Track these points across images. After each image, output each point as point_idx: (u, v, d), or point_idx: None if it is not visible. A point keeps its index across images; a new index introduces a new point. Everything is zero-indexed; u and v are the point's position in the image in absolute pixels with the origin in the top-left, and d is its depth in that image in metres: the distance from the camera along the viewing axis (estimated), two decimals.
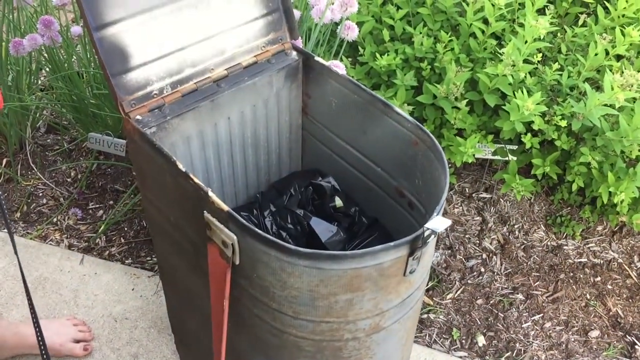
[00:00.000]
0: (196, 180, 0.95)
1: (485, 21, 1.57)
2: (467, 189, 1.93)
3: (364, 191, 1.25)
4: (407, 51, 1.60)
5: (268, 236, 0.87)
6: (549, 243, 1.83)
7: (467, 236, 1.84)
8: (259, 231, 0.88)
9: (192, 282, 1.17)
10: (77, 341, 1.53)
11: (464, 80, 1.47)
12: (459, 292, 1.72)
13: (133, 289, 1.67)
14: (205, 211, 0.96)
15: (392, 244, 0.87)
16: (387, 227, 1.24)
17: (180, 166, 0.97)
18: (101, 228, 1.78)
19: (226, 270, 0.98)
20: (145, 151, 1.05)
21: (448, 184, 0.99)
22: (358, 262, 0.88)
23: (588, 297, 1.72)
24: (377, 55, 1.60)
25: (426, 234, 0.87)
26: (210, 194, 0.93)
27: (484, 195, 1.92)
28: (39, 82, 2.06)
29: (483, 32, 1.55)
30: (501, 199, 1.90)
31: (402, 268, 0.92)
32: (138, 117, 1.06)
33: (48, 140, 2.03)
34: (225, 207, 0.92)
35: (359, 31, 1.57)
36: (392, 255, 0.89)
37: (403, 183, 1.16)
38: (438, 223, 0.86)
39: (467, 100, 1.51)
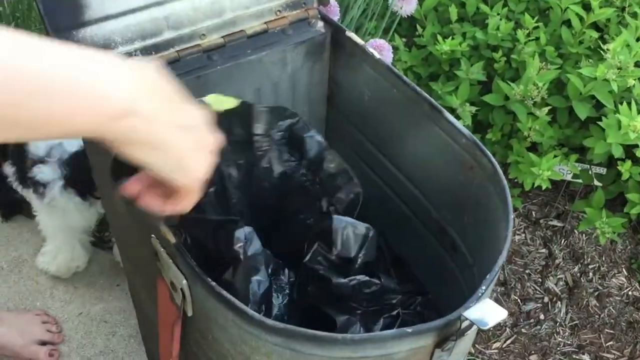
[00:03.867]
0: None
1: (586, 6, 1.20)
2: (534, 213, 1.58)
3: (394, 216, 0.93)
4: (478, 36, 1.26)
5: (224, 292, 0.58)
6: (630, 293, 1.47)
7: (527, 272, 1.49)
8: (212, 282, 0.59)
9: (151, 311, 0.89)
10: (43, 343, 1.30)
11: (549, 80, 1.12)
12: (508, 342, 1.39)
13: (118, 285, 1.42)
14: (152, 236, 0.68)
15: (409, 330, 0.56)
16: (418, 267, 0.93)
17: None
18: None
19: (175, 319, 0.69)
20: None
21: (510, 237, 0.66)
22: (354, 350, 0.57)
23: None
24: (439, 37, 1.26)
25: (464, 324, 0.56)
26: None
27: (555, 223, 1.56)
28: None
29: (581, 19, 1.19)
30: (575, 230, 1.54)
31: None
32: None
33: None
34: (173, 239, 0.63)
35: (420, 5, 1.24)
36: (408, 345, 0.58)
37: (446, 216, 0.84)
38: (486, 312, 0.54)
39: (549, 107, 1.16)
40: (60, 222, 1.24)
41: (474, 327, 0.57)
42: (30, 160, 1.13)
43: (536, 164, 1.13)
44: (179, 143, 0.51)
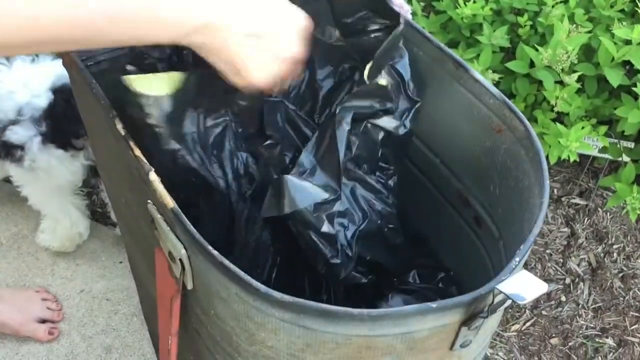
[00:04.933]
0: (136, 152, 0.60)
1: None
2: (555, 191, 1.50)
3: (411, 188, 0.87)
4: None
5: (226, 262, 0.52)
6: None
7: (548, 251, 1.42)
8: (213, 251, 0.53)
9: (151, 285, 0.84)
10: (43, 321, 1.25)
11: (579, 44, 1.04)
12: (528, 324, 1.32)
13: (121, 262, 1.37)
14: (149, 201, 0.61)
15: (433, 305, 0.50)
16: (437, 243, 0.86)
17: (119, 126, 0.62)
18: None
19: (174, 294, 0.63)
20: (85, 95, 0.71)
21: (546, 204, 0.60)
22: (371, 328, 0.51)
23: None
24: (460, 1, 1.18)
25: (497, 299, 0.49)
26: (152, 176, 0.58)
27: (578, 201, 1.48)
28: None
29: None
30: (599, 209, 1.47)
31: (448, 340, 0.55)
32: None
33: None
34: (171, 203, 0.57)
35: None
36: (431, 322, 0.52)
37: (470, 187, 0.78)
38: (523, 285, 0.47)
39: (577, 74, 1.08)
40: (47, 184, 1.18)
41: (507, 303, 0.51)
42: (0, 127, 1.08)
43: (564, 134, 1.06)
44: (242, 50, 0.54)
